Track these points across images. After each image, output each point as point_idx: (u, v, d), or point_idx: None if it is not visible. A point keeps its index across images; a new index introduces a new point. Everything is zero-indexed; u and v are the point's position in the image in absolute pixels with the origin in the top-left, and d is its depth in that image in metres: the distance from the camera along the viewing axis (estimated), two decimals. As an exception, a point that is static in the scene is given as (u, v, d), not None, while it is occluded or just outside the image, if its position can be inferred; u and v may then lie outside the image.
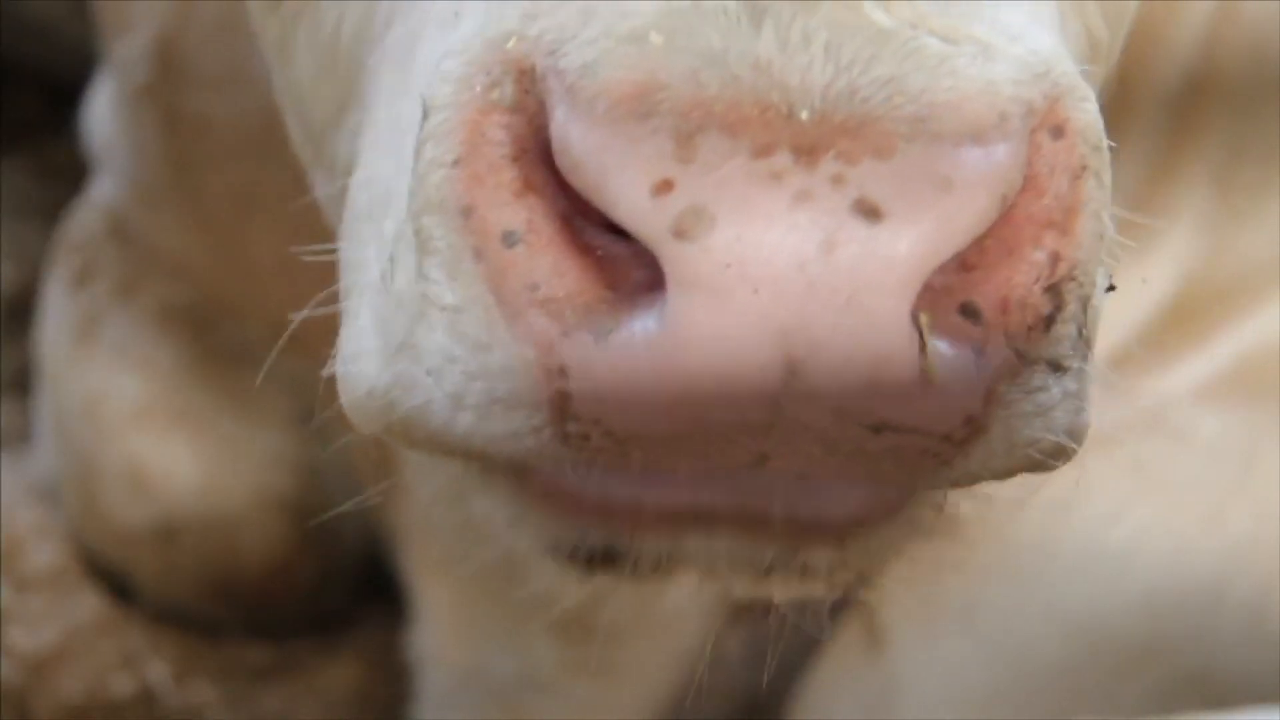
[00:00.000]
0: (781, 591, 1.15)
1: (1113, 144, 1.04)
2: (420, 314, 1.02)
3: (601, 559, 1.13)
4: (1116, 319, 1.58)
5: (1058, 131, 1.00)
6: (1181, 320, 1.63)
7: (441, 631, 1.78)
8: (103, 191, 2.04)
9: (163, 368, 1.97)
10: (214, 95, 1.77)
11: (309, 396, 1.95)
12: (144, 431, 1.95)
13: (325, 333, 1.84)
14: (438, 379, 1.02)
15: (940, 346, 0.98)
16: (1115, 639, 1.61)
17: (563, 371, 0.99)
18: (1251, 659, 1.61)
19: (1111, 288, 1.05)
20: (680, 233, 0.94)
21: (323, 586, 1.99)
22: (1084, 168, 1.00)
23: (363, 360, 1.08)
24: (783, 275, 0.94)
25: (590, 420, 1.00)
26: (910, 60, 0.96)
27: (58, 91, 2.47)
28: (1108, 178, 1.02)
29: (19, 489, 2.09)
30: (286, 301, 1.86)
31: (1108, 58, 1.20)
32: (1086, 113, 1.01)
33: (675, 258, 0.95)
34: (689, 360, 0.96)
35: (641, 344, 0.97)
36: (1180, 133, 1.59)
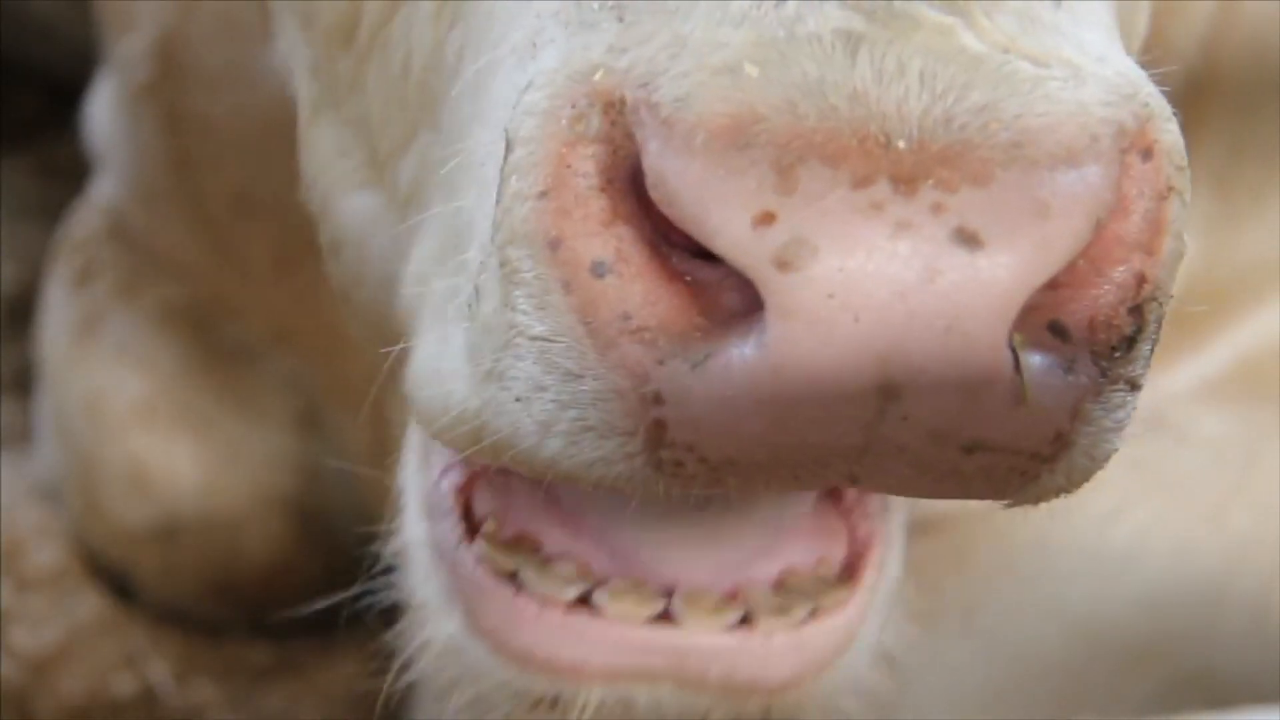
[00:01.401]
0: None
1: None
2: (507, 343, 1.03)
3: (549, 704, 1.17)
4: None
5: (1147, 153, 1.00)
6: (1181, 320, 1.63)
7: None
8: (103, 191, 2.04)
9: (163, 367, 1.97)
10: (214, 95, 1.78)
11: (309, 396, 1.95)
12: (145, 431, 1.96)
13: (324, 332, 1.84)
14: (526, 406, 1.03)
15: (1034, 366, 0.99)
16: (1116, 638, 1.61)
17: (658, 399, 1.00)
18: (1252, 658, 1.60)
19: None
20: (783, 264, 0.95)
21: (323, 586, 1.99)
22: (1170, 189, 1.01)
23: (451, 381, 1.10)
24: (885, 304, 0.95)
25: (685, 447, 1.01)
26: (1004, 86, 0.97)
27: (58, 91, 2.48)
28: (1189, 198, 1.03)
29: (20, 489, 2.09)
30: (284, 301, 1.87)
31: None
32: (1172, 134, 1.02)
33: (778, 288, 0.95)
34: (789, 387, 0.97)
35: (739, 371, 0.97)
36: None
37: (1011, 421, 1.00)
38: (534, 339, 1.02)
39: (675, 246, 0.99)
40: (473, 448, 1.09)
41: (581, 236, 0.99)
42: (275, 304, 1.88)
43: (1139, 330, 1.01)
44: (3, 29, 2.52)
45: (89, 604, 2.00)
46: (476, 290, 1.06)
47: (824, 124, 0.95)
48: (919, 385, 0.97)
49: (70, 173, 2.20)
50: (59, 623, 1.98)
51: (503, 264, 1.02)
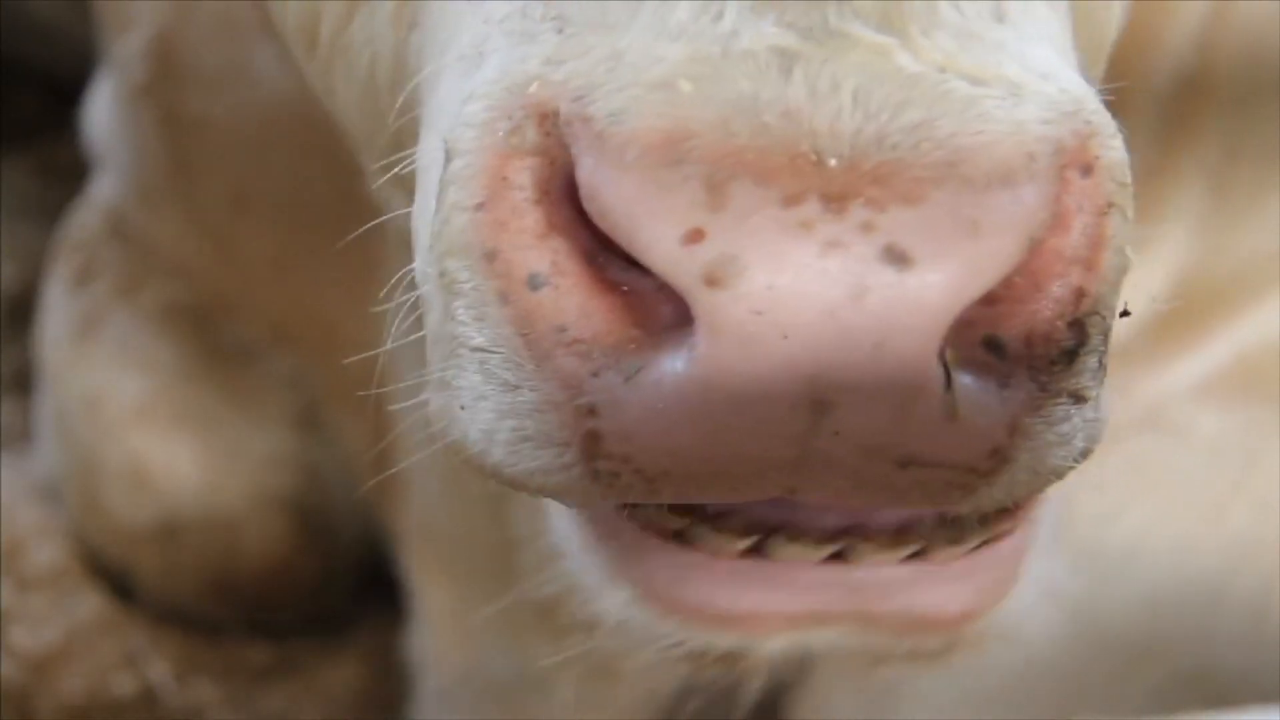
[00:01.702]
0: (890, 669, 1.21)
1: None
2: (451, 353, 1.03)
3: (729, 659, 1.17)
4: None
5: (1086, 169, 1.00)
6: (1179, 319, 1.63)
7: (440, 632, 1.78)
8: (103, 191, 2.04)
9: (163, 367, 1.97)
10: (211, 95, 1.78)
11: (309, 395, 1.96)
12: (145, 430, 1.96)
13: (323, 332, 1.84)
14: (471, 414, 1.04)
15: (966, 381, 0.99)
16: (1115, 637, 1.61)
17: (592, 411, 1.00)
18: (1252, 657, 1.60)
19: (1125, 313, 1.06)
20: (712, 280, 0.95)
21: (323, 586, 2.00)
22: (1110, 204, 1.01)
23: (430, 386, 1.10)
24: (813, 322, 0.95)
25: (620, 458, 1.01)
26: (939, 104, 0.97)
27: (58, 91, 2.47)
28: (1131, 212, 1.02)
29: (20, 488, 2.09)
30: (283, 301, 1.87)
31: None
32: (1114, 150, 1.01)
33: (708, 305, 0.95)
34: (718, 402, 0.97)
35: (670, 385, 0.98)
36: (1175, 132, 1.59)
37: (944, 437, 1.00)
38: (474, 350, 1.02)
39: (613, 255, 0.99)
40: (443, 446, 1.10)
41: (518, 249, 0.99)
42: (275, 304, 1.88)
43: (1080, 344, 1.00)
44: (3, 29, 2.52)
45: (89, 604, 2.00)
46: (423, 300, 1.06)
47: (756, 141, 0.95)
48: (849, 402, 0.97)
49: (70, 173, 2.20)
50: (59, 623, 1.98)
51: (442, 274, 1.02)
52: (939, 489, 1.03)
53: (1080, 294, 1.00)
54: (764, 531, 1.14)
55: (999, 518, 1.18)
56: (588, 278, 0.99)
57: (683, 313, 0.97)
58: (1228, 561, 1.61)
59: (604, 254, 0.99)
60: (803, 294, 0.94)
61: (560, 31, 1.01)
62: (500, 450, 1.04)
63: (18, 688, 1.93)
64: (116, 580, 2.01)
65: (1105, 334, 1.01)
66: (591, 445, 1.01)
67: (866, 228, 0.95)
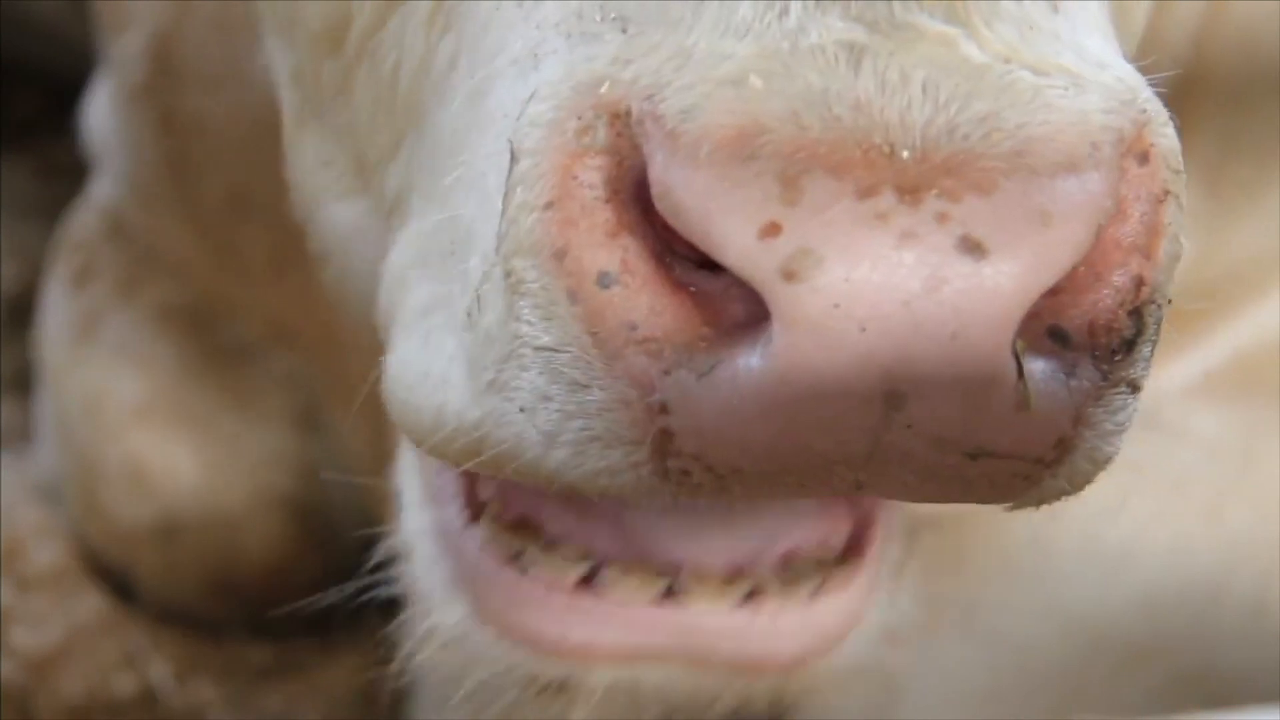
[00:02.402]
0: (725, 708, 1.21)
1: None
2: (511, 353, 1.03)
3: (557, 688, 1.18)
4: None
5: (1143, 158, 1.01)
6: (1177, 317, 1.63)
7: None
8: (102, 191, 2.04)
9: (163, 367, 1.97)
10: (208, 95, 1.78)
11: (308, 395, 1.95)
12: (144, 430, 1.96)
13: (322, 332, 1.84)
14: (531, 416, 1.04)
15: (1036, 371, 0.99)
16: (1114, 637, 1.61)
17: (664, 409, 1.00)
18: (1251, 656, 1.60)
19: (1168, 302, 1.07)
20: (789, 275, 0.95)
21: (323, 586, 1.99)
22: (1166, 192, 1.02)
23: (444, 394, 1.10)
24: (890, 313, 0.95)
25: (691, 456, 1.01)
26: (1006, 95, 0.97)
27: (58, 91, 2.47)
28: (1185, 200, 1.03)
29: (20, 489, 2.09)
30: (282, 301, 1.87)
31: None
32: (1168, 138, 1.02)
33: (784, 299, 0.96)
34: (795, 396, 0.97)
35: (745, 380, 0.98)
36: (1171, 130, 1.59)
37: (1015, 428, 1.00)
38: (539, 349, 1.02)
39: (680, 257, 0.99)
40: (471, 461, 1.09)
41: (587, 247, 0.99)
42: (273, 303, 1.88)
43: (1138, 332, 1.01)
44: (3, 29, 2.52)
45: (89, 604, 2.00)
46: (479, 300, 1.06)
47: (828, 135, 0.95)
48: (924, 393, 0.97)
49: (70, 173, 2.20)
50: (59, 623, 1.98)
51: (508, 274, 1.02)
52: (1005, 480, 1.04)
53: (1140, 282, 1.01)
54: (598, 560, 1.16)
55: (838, 564, 1.21)
56: (658, 276, 0.99)
57: (754, 312, 0.97)
58: (1226, 561, 1.61)
59: (671, 255, 1.00)
60: (880, 286, 0.95)
61: (624, 31, 1.01)
62: (564, 451, 1.03)
63: (18, 688, 1.93)
64: (116, 580, 2.01)
65: (1159, 323, 1.03)
66: (664, 443, 1.01)
67: (941, 218, 0.95)
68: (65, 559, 2.03)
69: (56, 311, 2.06)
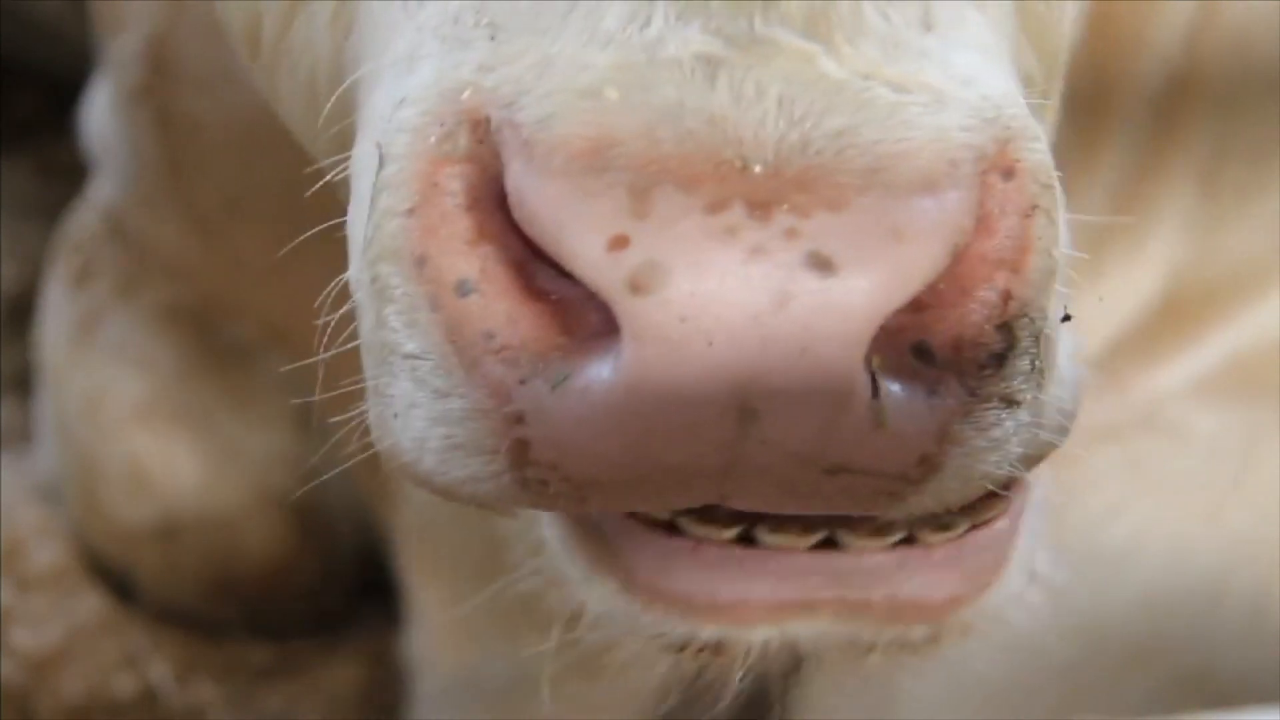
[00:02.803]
0: (880, 661, 1.18)
1: (1061, 170, 1.04)
2: (383, 360, 1.04)
3: (713, 649, 1.15)
4: (1107, 317, 1.58)
5: (1008, 173, 1.00)
6: (1173, 318, 1.63)
7: (435, 633, 1.78)
8: (101, 192, 2.04)
9: (163, 367, 1.97)
10: (204, 96, 1.78)
11: (307, 395, 1.95)
12: (144, 431, 1.96)
13: (321, 332, 1.83)
14: (403, 422, 1.04)
15: (893, 389, 0.99)
16: (1114, 637, 1.60)
17: (520, 419, 1.00)
18: (1251, 657, 1.60)
19: (1067, 317, 1.06)
20: (636, 287, 0.95)
21: (323, 586, 2.00)
22: (1034, 207, 1.01)
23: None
24: (738, 328, 0.95)
25: (548, 466, 1.01)
26: (862, 112, 0.97)
27: (58, 91, 2.47)
28: (1058, 215, 1.03)
29: (20, 489, 2.09)
30: (281, 301, 1.87)
31: (1045, 92, 1.20)
32: (1036, 152, 1.02)
33: (631, 312, 0.95)
34: (644, 409, 0.97)
35: (596, 392, 0.98)
36: (1165, 132, 1.59)
37: (872, 445, 1.00)
38: (406, 357, 1.02)
39: (545, 264, 0.99)
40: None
41: (447, 255, 0.99)
42: (272, 304, 1.88)
43: (1009, 347, 1.00)
44: (3, 29, 2.52)
45: (89, 604, 2.00)
46: (356, 307, 1.06)
47: (680, 148, 0.95)
48: (775, 409, 0.97)
49: (70, 173, 2.20)
50: (59, 623, 1.98)
51: (374, 280, 1.02)
52: (868, 496, 1.03)
53: (1007, 297, 1.00)
54: (748, 522, 1.13)
55: (987, 503, 1.17)
56: (516, 285, 0.99)
57: (609, 322, 0.97)
58: (1225, 561, 1.61)
59: (535, 262, 0.99)
60: (727, 300, 0.95)
61: (493, 38, 1.01)
62: (431, 458, 1.03)
63: (18, 688, 1.93)
64: (116, 580, 2.01)
65: (1036, 337, 1.01)
66: (519, 453, 1.01)
67: (790, 234, 0.95)
68: (65, 559, 2.03)
69: (56, 312, 2.06)
